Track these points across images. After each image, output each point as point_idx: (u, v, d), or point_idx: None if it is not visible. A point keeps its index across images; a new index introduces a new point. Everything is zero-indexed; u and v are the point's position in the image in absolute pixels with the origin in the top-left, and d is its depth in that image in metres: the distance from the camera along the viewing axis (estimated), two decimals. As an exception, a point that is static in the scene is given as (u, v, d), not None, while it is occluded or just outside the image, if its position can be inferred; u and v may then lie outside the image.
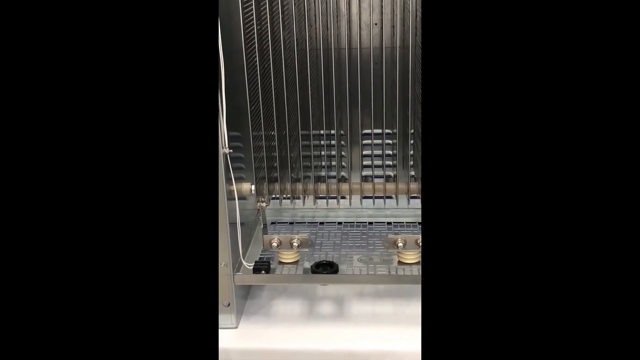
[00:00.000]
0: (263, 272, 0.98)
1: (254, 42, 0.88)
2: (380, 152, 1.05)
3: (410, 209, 1.15)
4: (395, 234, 1.01)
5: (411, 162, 1.03)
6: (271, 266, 0.99)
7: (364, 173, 1.07)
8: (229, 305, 0.99)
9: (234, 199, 0.95)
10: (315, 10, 0.92)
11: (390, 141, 1.07)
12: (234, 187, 0.94)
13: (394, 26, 0.98)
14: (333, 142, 1.03)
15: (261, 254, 1.02)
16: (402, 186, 1.03)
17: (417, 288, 1.01)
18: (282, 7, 0.88)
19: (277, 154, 0.98)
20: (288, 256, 1.01)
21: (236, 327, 1.01)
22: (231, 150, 0.90)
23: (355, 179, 1.07)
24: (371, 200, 1.07)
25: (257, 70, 0.91)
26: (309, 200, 1.06)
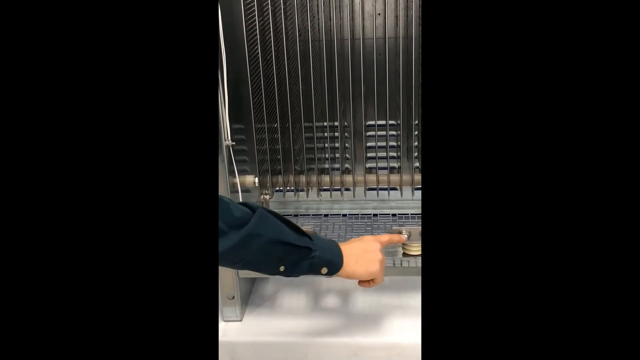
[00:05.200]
0: (267, 264, 0.98)
1: (256, 33, 0.87)
2: (384, 143, 1.04)
3: (415, 201, 1.14)
4: (400, 225, 1.01)
5: (415, 153, 1.03)
6: (275, 259, 0.99)
7: (368, 165, 1.06)
8: (233, 298, 0.99)
9: (238, 192, 0.95)
10: (317, 0, 0.91)
11: (394, 132, 1.06)
12: (237, 179, 0.94)
13: (397, 16, 0.97)
14: (336, 133, 1.02)
15: (265, 247, 1.02)
16: (406, 177, 1.03)
17: (422, 280, 1.00)
18: (284, -3, 0.88)
19: (280, 146, 0.98)
20: (292, 249, 1.01)
21: (241, 320, 1.01)
22: (234, 143, 0.90)
23: (359, 170, 1.07)
24: (375, 192, 1.06)
25: (259, 61, 0.90)
26: (313, 192, 1.05)
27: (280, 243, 0.73)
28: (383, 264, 0.83)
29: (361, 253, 0.82)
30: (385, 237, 0.88)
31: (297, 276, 0.78)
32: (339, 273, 0.80)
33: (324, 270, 0.78)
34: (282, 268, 0.76)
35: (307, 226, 1.02)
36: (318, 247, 0.77)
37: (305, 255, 0.76)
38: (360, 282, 0.85)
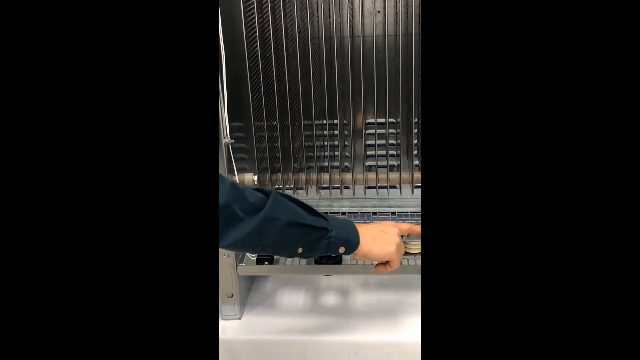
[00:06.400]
0: (266, 262, 0.98)
1: (256, 31, 0.87)
2: (384, 141, 1.04)
3: (414, 199, 1.14)
4: (400, 224, 1.00)
5: (415, 152, 1.03)
6: (274, 257, 0.99)
7: (368, 163, 1.06)
8: (232, 296, 0.99)
9: (237, 190, 0.94)
10: (317, -3, 0.91)
11: (394, 130, 1.06)
12: (237, 177, 0.94)
13: (397, 13, 0.97)
14: (336, 131, 1.02)
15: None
16: (405, 176, 1.02)
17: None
18: (284, -6, 0.87)
19: (279, 144, 0.98)
20: (291, 247, 1.00)
21: (240, 318, 1.01)
22: (233, 141, 0.90)
23: (359, 168, 1.07)
24: (375, 190, 1.06)
25: (258, 59, 0.90)
26: (312, 190, 1.05)
27: (296, 225, 0.74)
28: (400, 248, 0.84)
29: (378, 233, 0.82)
30: (405, 226, 0.88)
31: (316, 257, 0.78)
32: (355, 252, 0.80)
33: (342, 249, 0.79)
34: (300, 250, 0.76)
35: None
36: (334, 227, 0.78)
37: (323, 236, 0.77)
38: (377, 267, 0.85)
